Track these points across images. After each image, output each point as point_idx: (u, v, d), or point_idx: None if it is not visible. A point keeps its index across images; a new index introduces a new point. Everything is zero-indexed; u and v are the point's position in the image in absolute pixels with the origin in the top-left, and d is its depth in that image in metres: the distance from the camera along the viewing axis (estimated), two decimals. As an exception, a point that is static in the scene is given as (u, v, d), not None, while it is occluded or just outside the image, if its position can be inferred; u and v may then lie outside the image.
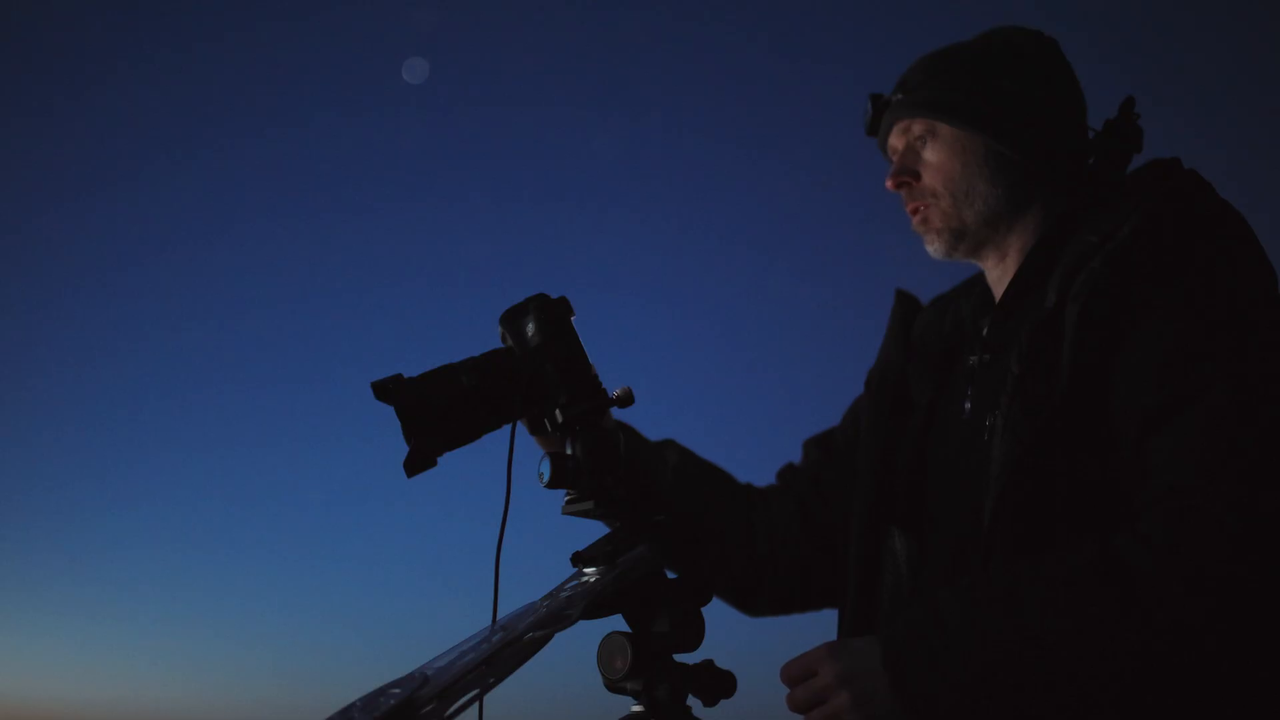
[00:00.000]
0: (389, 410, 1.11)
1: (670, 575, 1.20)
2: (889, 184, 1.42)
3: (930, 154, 1.38)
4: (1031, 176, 1.35)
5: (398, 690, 0.97)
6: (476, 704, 1.01)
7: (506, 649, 1.04)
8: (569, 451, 1.20)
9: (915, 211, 1.40)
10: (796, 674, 1.16)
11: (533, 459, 1.20)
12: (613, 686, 1.16)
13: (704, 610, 1.18)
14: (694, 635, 1.17)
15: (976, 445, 1.28)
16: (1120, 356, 1.16)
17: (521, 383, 1.19)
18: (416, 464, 1.11)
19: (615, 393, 1.23)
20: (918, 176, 1.39)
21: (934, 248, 1.41)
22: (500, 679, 1.02)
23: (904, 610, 1.22)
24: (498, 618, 1.12)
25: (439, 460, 1.13)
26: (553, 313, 1.22)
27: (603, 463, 1.19)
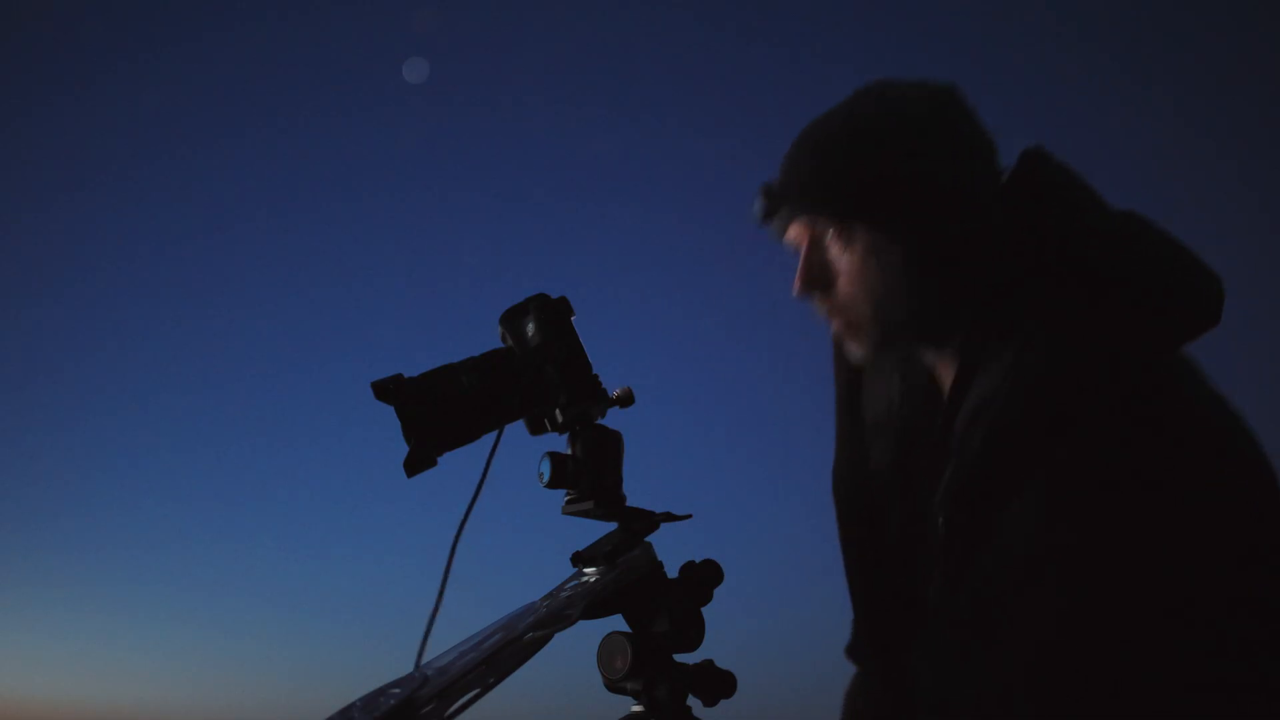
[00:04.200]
0: (389, 410, 1.11)
1: (670, 575, 1.20)
2: (796, 292, 1.25)
3: (839, 256, 1.22)
4: (956, 263, 1.21)
5: (398, 690, 0.97)
6: (476, 703, 1.01)
7: (506, 649, 1.04)
8: (569, 451, 1.20)
9: (830, 315, 1.26)
10: None
11: (533, 459, 1.20)
12: (613, 686, 1.16)
13: (704, 610, 1.18)
14: (694, 635, 1.17)
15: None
16: (996, 533, 1.12)
17: (521, 383, 1.19)
18: (416, 464, 1.11)
19: (615, 393, 1.23)
20: (829, 284, 1.24)
21: (859, 354, 1.27)
22: (500, 679, 1.02)
23: None
24: (497, 618, 1.12)
25: (439, 460, 1.13)
26: (553, 312, 1.22)
27: (603, 463, 1.19)
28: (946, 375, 1.27)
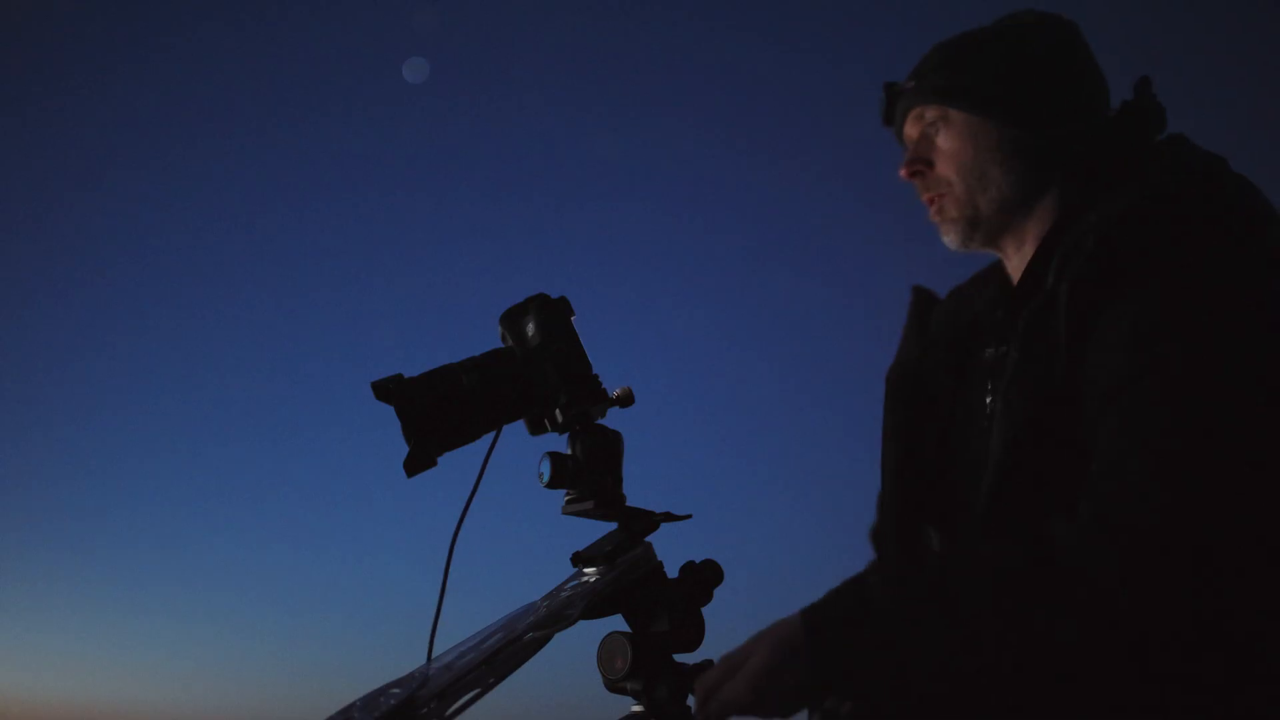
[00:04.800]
0: (390, 410, 1.11)
1: (670, 575, 1.20)
2: (902, 172, 1.39)
3: (943, 141, 1.36)
4: (1047, 161, 1.33)
5: (398, 690, 0.97)
6: (476, 703, 1.01)
7: (506, 649, 1.04)
8: (569, 451, 1.20)
9: (930, 201, 1.38)
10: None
11: (533, 459, 1.20)
12: (613, 686, 1.16)
13: (704, 610, 1.18)
14: (694, 635, 1.17)
15: (987, 434, 1.28)
16: (1095, 336, 1.16)
17: (521, 383, 1.19)
18: (416, 464, 1.11)
19: (615, 393, 1.23)
20: (931, 164, 1.37)
21: (950, 238, 1.39)
22: (500, 679, 1.02)
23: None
24: (497, 618, 1.12)
25: (439, 460, 1.13)
26: (553, 312, 1.22)
27: (603, 463, 1.19)
28: (1020, 268, 1.33)
